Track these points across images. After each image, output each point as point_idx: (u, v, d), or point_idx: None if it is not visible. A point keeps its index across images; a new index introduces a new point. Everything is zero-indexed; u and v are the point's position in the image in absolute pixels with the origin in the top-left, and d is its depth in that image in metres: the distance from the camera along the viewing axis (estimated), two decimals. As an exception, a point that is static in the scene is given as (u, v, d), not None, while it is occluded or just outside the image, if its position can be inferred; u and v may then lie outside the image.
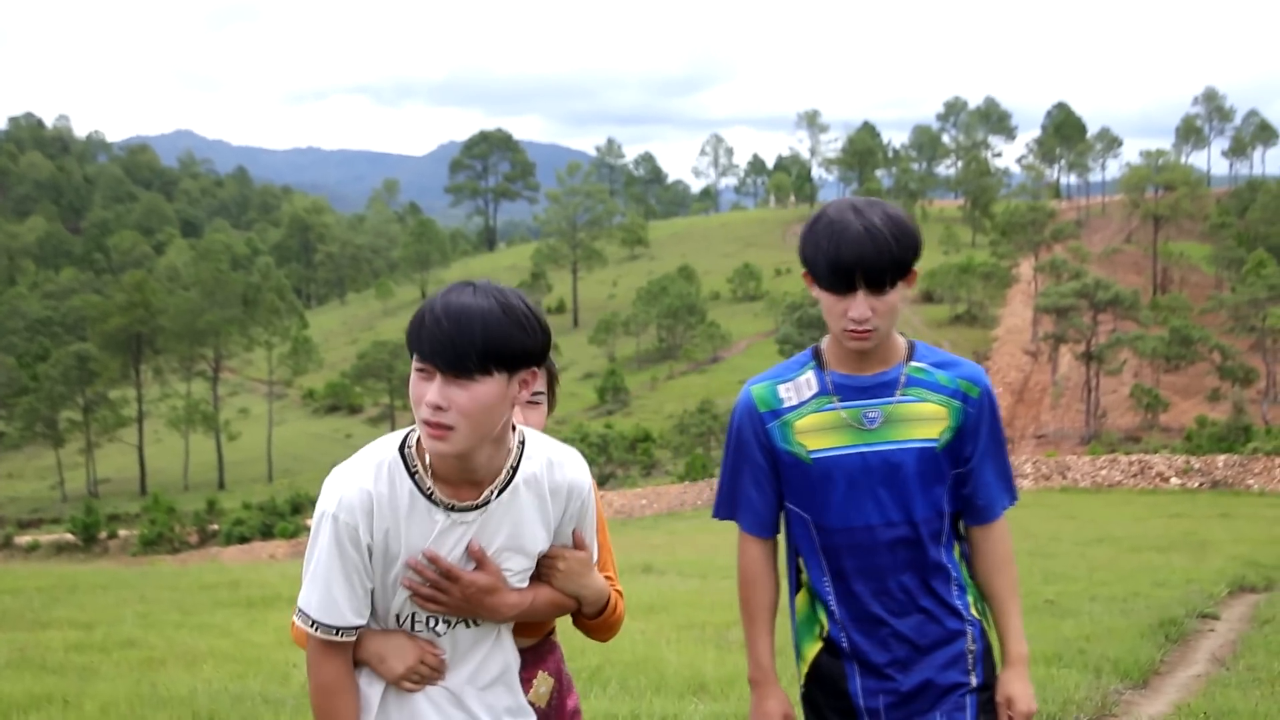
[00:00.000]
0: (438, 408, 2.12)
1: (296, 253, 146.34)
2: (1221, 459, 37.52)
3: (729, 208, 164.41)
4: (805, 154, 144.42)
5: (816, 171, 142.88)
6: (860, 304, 2.54)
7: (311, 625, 2.22)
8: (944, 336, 77.07)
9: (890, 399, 2.64)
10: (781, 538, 2.81)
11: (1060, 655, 7.37)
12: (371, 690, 2.28)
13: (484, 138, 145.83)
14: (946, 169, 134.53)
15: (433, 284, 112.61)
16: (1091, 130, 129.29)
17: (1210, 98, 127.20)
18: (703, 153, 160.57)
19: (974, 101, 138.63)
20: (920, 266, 2.67)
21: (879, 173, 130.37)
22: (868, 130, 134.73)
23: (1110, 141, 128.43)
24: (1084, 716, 6.15)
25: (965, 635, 2.68)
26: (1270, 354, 67.23)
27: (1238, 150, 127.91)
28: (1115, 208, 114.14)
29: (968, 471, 2.68)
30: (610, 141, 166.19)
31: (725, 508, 2.82)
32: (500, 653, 2.38)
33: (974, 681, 2.67)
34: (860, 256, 2.51)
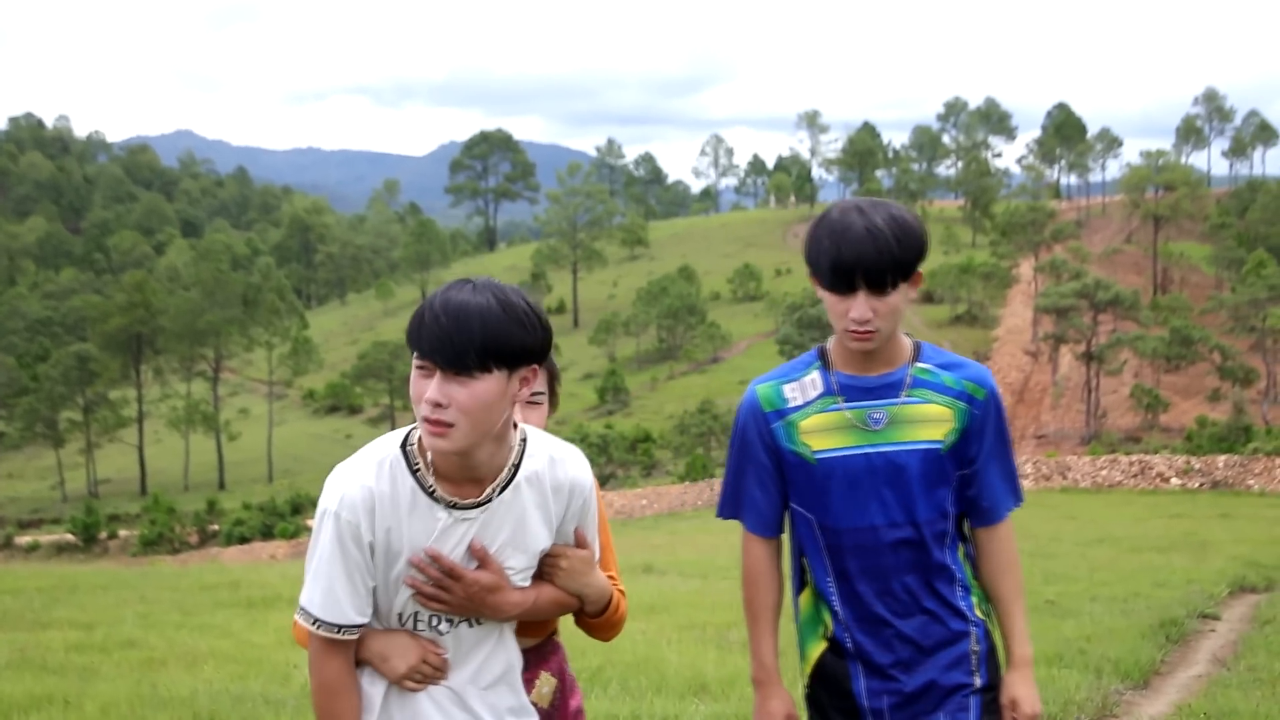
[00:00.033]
0: (437, 405, 2.12)
1: (297, 253, 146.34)
2: (1222, 459, 37.51)
3: (729, 208, 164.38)
4: (805, 154, 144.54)
5: (817, 172, 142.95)
6: (861, 304, 2.53)
7: (314, 623, 2.22)
8: (944, 337, 77.07)
9: (895, 400, 2.63)
10: (785, 537, 2.81)
11: (1061, 656, 7.36)
12: (374, 690, 2.28)
13: (484, 138, 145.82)
14: (947, 169, 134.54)
15: (433, 284, 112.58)
16: (1092, 130, 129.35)
17: (1210, 98, 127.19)
18: (703, 153, 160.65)
19: (974, 102, 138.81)
20: (924, 268, 2.66)
21: (879, 173, 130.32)
22: (868, 130, 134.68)
23: (1110, 142, 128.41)
24: (1085, 717, 6.15)
25: (969, 636, 2.67)
26: (1270, 354, 67.22)
27: (1238, 150, 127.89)
28: (1115, 208, 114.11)
29: (973, 473, 2.67)
30: (610, 142, 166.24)
31: (729, 507, 2.82)
32: (503, 652, 2.37)
33: (978, 682, 2.67)
34: (860, 257, 2.50)
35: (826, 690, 2.72)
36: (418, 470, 2.23)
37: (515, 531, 2.30)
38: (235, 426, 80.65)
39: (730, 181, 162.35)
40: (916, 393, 2.65)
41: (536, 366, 2.20)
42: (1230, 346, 65.73)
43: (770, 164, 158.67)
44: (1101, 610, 9.66)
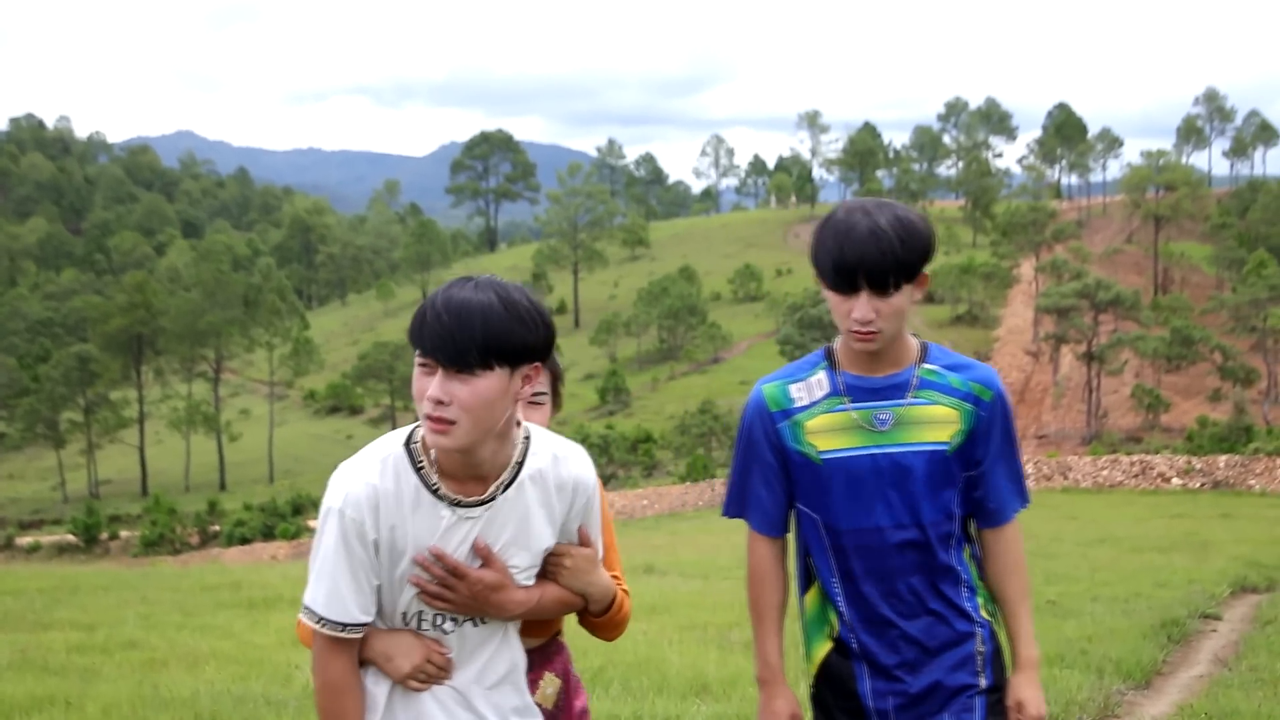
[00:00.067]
0: (439, 402, 2.12)
1: (297, 253, 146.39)
2: (1223, 459, 37.53)
3: (730, 208, 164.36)
4: (806, 154, 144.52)
5: (817, 172, 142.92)
6: (864, 305, 2.53)
7: (318, 622, 2.21)
8: (945, 337, 77.04)
9: (901, 401, 2.63)
10: (791, 536, 2.80)
11: (1062, 656, 7.36)
12: (378, 689, 2.28)
13: (485, 138, 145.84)
14: (947, 169, 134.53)
15: (434, 285, 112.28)
16: (1092, 130, 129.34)
17: (1211, 98, 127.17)
18: (703, 153, 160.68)
19: (975, 102, 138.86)
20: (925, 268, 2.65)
21: (880, 173, 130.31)
22: (869, 131, 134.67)
23: (1111, 142, 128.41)
24: (1087, 717, 6.15)
25: (975, 637, 2.67)
26: (1271, 354, 67.22)
27: (1239, 150, 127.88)
28: (1116, 208, 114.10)
29: (979, 475, 2.67)
30: (611, 142, 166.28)
31: (735, 506, 2.81)
32: (507, 651, 2.37)
33: (983, 683, 2.66)
34: (862, 257, 2.50)
35: (832, 690, 2.71)
36: (421, 468, 2.23)
37: (519, 530, 2.30)
38: (236, 427, 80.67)
39: (731, 182, 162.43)
40: (923, 394, 2.64)
41: (539, 365, 2.20)
42: (1231, 346, 65.74)
43: (771, 164, 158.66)
44: (1103, 610, 9.66)
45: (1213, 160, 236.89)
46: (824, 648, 2.72)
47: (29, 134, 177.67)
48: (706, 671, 6.91)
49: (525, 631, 2.45)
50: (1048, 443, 58.98)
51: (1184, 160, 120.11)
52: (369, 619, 2.24)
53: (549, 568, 2.39)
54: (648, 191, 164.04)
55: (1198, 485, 36.53)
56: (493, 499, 2.26)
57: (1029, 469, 39.51)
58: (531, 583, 2.35)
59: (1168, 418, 62.76)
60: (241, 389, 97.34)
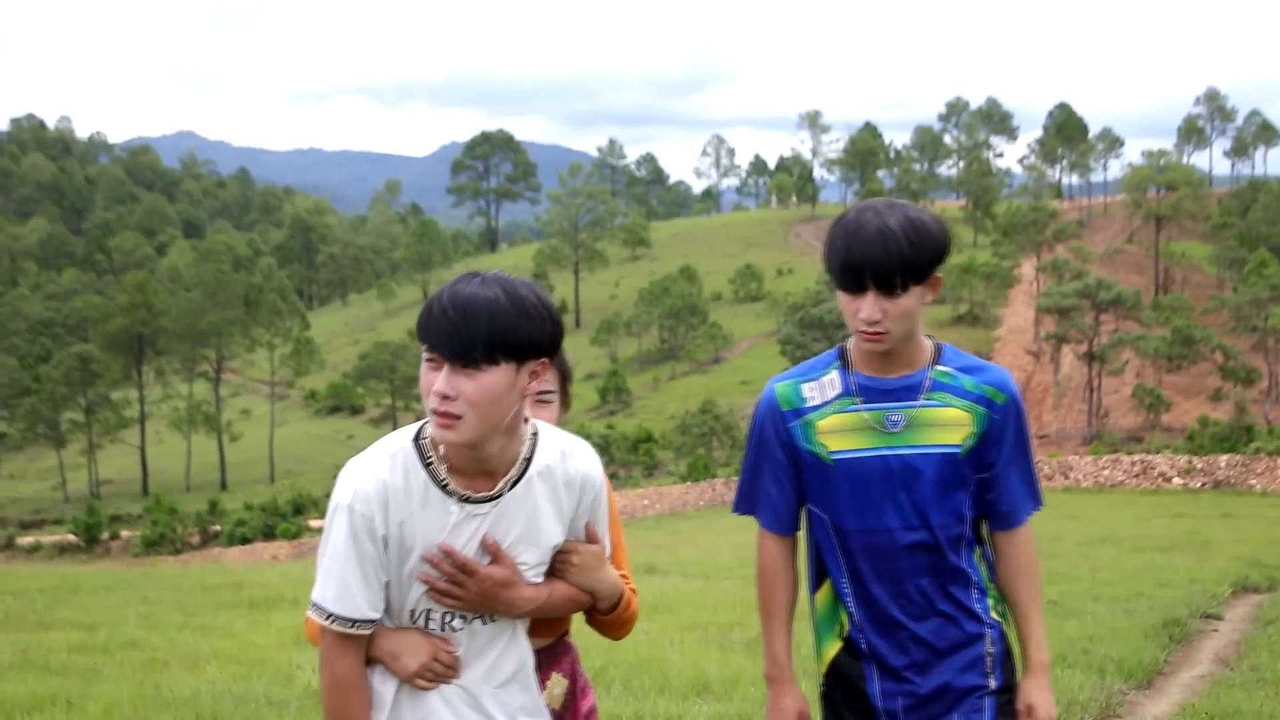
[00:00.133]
0: (445, 397, 2.12)
1: (298, 253, 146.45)
2: (1224, 459, 37.53)
3: (731, 208, 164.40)
4: (807, 154, 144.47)
5: (818, 172, 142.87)
6: (870, 305, 2.52)
7: (327, 618, 2.21)
8: (946, 337, 76.52)
9: (914, 403, 2.62)
10: (802, 535, 2.80)
11: (1064, 656, 7.35)
12: (385, 688, 2.27)
13: (486, 138, 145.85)
14: (948, 169, 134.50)
15: (434, 285, 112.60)
16: (1093, 130, 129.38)
17: (1212, 98, 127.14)
18: (704, 153, 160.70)
19: (976, 102, 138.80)
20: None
21: (881, 173, 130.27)
22: (869, 131, 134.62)
23: (1112, 142, 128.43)
24: (1089, 717, 6.15)
25: (984, 638, 2.66)
26: (1272, 354, 67.22)
27: (1239, 150, 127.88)
28: (1117, 208, 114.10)
29: (991, 477, 2.65)
30: (612, 142, 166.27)
31: (745, 503, 2.81)
32: (515, 650, 2.37)
33: (993, 684, 2.65)
34: (868, 257, 2.49)
35: (841, 690, 2.71)
36: (430, 463, 2.23)
37: (528, 526, 2.30)
38: (237, 427, 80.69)
39: (732, 182, 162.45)
40: (936, 396, 2.63)
41: (546, 361, 2.20)
42: (1232, 346, 65.75)
43: (772, 164, 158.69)
44: (1104, 610, 9.65)
45: (1214, 160, 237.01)
46: (834, 647, 2.71)
47: (30, 134, 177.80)
48: (708, 671, 6.91)
49: (533, 631, 2.44)
50: (1049, 442, 58.97)
51: (1185, 160, 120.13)
52: (378, 616, 2.24)
53: (557, 565, 2.38)
54: (649, 191, 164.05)
55: (1199, 485, 36.53)
56: (501, 495, 2.26)
57: (1030, 469, 39.47)
58: (540, 580, 2.35)
59: (1169, 417, 62.77)
60: (242, 389, 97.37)
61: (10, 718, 5.83)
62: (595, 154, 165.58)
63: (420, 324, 2.14)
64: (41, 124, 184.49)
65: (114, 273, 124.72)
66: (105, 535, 57.34)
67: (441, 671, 2.27)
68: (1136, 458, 39.70)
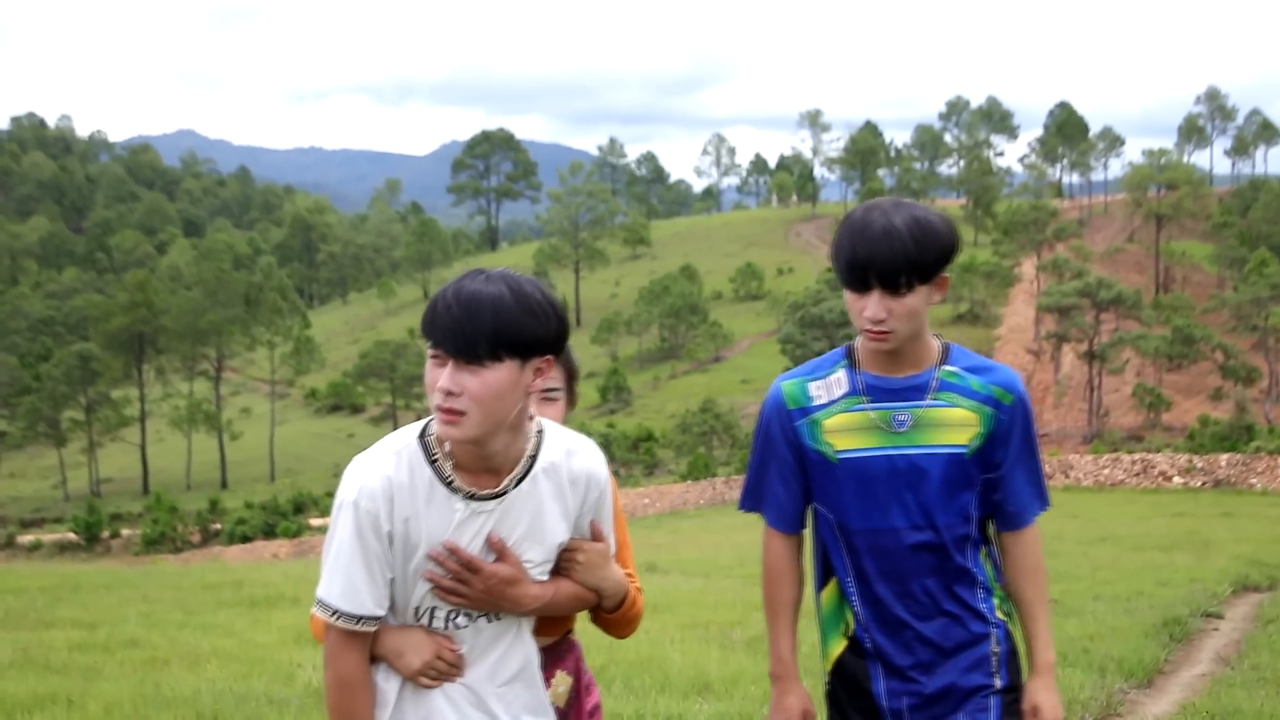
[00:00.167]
0: (449, 393, 2.12)
1: (299, 252, 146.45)
2: (1224, 458, 37.51)
3: (731, 207, 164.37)
4: (807, 153, 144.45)
5: (819, 171, 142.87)
6: (875, 304, 2.52)
7: (333, 615, 2.21)
8: (946, 336, 76.84)
9: (920, 403, 2.61)
10: (808, 533, 2.79)
11: (1065, 655, 7.35)
12: (388, 686, 2.27)
13: (486, 137, 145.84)
14: (949, 168, 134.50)
15: (435, 284, 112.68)
16: (1094, 129, 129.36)
17: (1213, 97, 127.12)
18: (705, 152, 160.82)
19: (976, 101, 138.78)
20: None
21: (881, 172, 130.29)
22: (870, 130, 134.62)
23: (1112, 141, 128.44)
24: (1089, 716, 6.15)
25: (989, 638, 2.66)
26: (1273, 353, 67.21)
27: (1240, 149, 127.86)
28: (1117, 207, 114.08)
29: (998, 478, 2.65)
30: (612, 141, 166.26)
31: (751, 500, 2.81)
32: (520, 648, 2.36)
33: (998, 684, 2.65)
34: (873, 256, 2.49)
35: (846, 689, 2.70)
36: (436, 460, 2.23)
37: (533, 524, 2.30)
38: (237, 426, 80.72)
39: (732, 181, 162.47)
40: (943, 396, 2.62)
41: (551, 358, 2.19)
42: (1232, 345, 65.75)
43: (772, 163, 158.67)
44: (1104, 609, 9.65)
45: (1214, 159, 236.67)
46: (839, 646, 2.71)
47: (30, 133, 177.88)
48: (708, 670, 6.91)
49: (537, 630, 2.44)
50: (1049, 441, 58.97)
51: (1185, 159, 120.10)
52: (383, 612, 2.23)
53: (562, 563, 2.38)
54: (649, 190, 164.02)
55: (1199, 484, 36.52)
56: (506, 492, 2.26)
57: (1030, 468, 39.46)
58: (546, 578, 2.35)
59: (1169, 416, 62.77)
60: (243, 387, 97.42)
61: (11, 716, 5.83)
62: (596, 153, 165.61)
63: (425, 320, 2.15)
64: (42, 123, 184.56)
65: (114, 271, 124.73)
66: (106, 534, 57.32)
67: (445, 670, 2.27)
68: (1137, 457, 39.69)
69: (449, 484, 2.22)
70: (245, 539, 50.38)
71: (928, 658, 2.63)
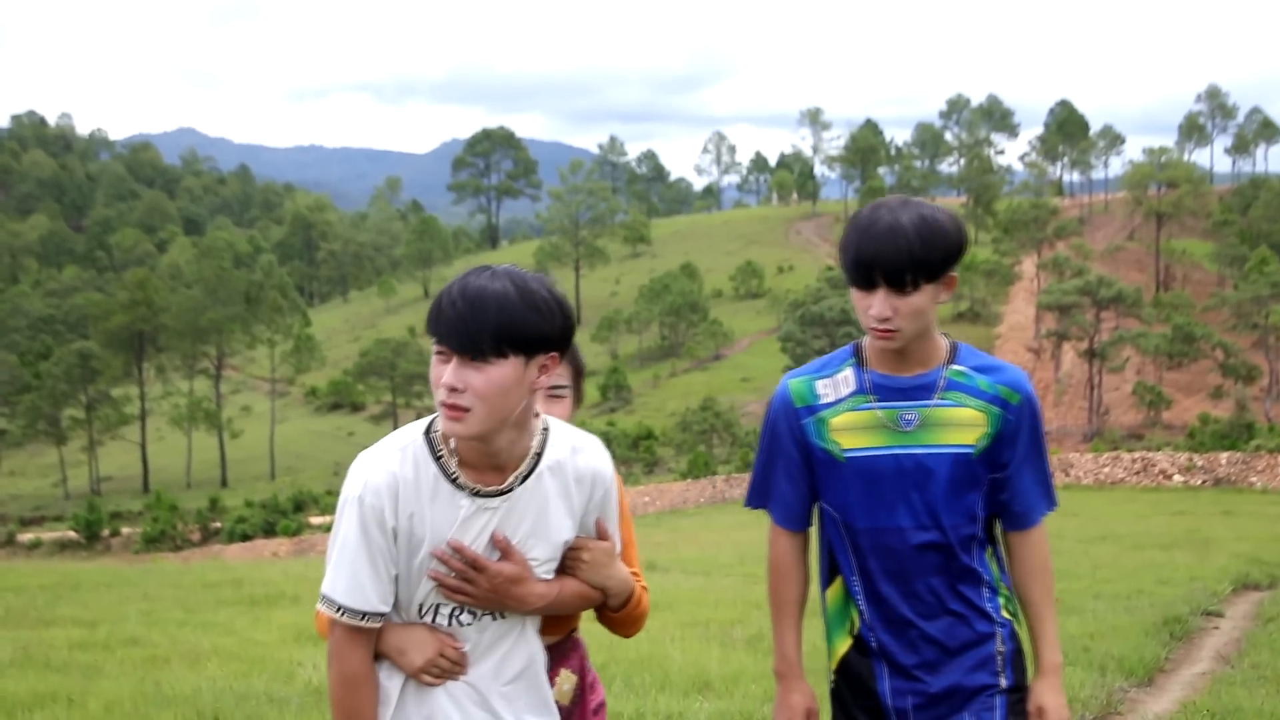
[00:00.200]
0: (453, 389, 2.12)
1: (299, 250, 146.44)
2: (1224, 456, 37.48)
3: (731, 205, 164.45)
4: (808, 151, 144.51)
5: (819, 169, 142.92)
6: (881, 302, 2.51)
7: (338, 611, 2.20)
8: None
9: (928, 402, 2.60)
10: (815, 531, 2.79)
11: (1065, 653, 7.26)
12: (391, 683, 2.27)
13: (486, 135, 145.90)
14: (949, 166, 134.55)
15: (435, 282, 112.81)
16: (1094, 128, 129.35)
17: (1213, 95, 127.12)
18: (705, 150, 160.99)
19: (976, 99, 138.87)
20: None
21: (882, 170, 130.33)
22: (870, 128, 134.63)
23: (1113, 139, 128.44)
24: (1089, 715, 6.14)
25: (995, 637, 2.65)
26: (1273, 351, 67.21)
27: (1240, 148, 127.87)
28: (1118, 205, 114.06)
29: (1005, 478, 2.65)
30: (613, 139, 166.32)
31: (757, 497, 2.80)
32: (525, 646, 2.36)
33: (1004, 683, 2.64)
34: (879, 254, 2.48)
35: (851, 688, 2.70)
36: (441, 457, 2.23)
37: (538, 522, 2.29)
38: (237, 424, 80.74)
39: (733, 179, 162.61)
40: (950, 395, 2.61)
41: (556, 356, 2.19)
42: (1233, 344, 65.75)
43: (773, 161, 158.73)
44: (1105, 608, 9.65)
45: (1215, 157, 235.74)
46: (844, 644, 2.71)
47: (30, 131, 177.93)
48: (709, 668, 6.90)
49: (542, 628, 2.43)
50: (1049, 440, 58.19)
51: (1186, 157, 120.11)
52: (388, 609, 2.23)
53: (567, 562, 2.37)
54: (649, 188, 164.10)
55: (1199, 482, 36.49)
56: (511, 489, 2.25)
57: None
58: (551, 576, 2.34)
59: (1169, 415, 62.78)
60: (243, 386, 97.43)
61: (11, 715, 5.83)
62: (596, 151, 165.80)
63: (430, 316, 2.14)
64: (42, 121, 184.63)
65: (114, 269, 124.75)
66: (106, 532, 57.34)
67: (448, 667, 2.26)
68: (1137, 455, 39.67)
69: (454, 480, 2.22)
70: (245, 537, 50.42)
71: (933, 657, 2.62)
